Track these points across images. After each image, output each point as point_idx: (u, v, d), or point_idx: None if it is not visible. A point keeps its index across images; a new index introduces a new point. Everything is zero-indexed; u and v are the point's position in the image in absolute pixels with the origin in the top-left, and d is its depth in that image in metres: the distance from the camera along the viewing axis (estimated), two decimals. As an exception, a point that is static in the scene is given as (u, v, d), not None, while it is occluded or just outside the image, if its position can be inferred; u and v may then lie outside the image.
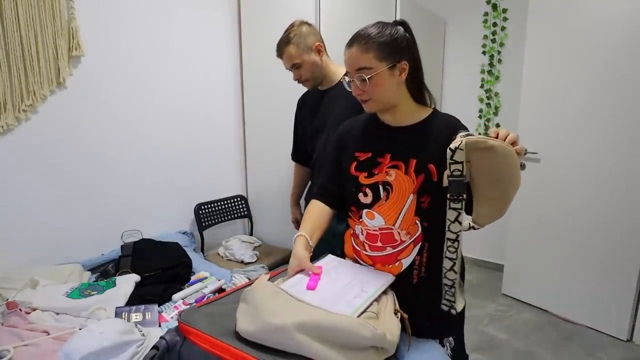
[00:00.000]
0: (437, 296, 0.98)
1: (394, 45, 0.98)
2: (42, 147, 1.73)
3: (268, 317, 0.76)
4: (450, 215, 0.88)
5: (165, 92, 2.15)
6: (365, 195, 1.03)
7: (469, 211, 0.90)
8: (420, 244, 0.99)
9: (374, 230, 1.03)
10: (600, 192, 2.21)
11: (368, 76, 0.96)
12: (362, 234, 1.06)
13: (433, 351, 0.96)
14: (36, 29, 1.64)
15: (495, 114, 3.01)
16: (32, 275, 1.48)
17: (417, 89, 1.04)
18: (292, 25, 1.58)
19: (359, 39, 0.98)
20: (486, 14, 2.94)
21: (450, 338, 1.08)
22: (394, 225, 1.00)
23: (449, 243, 0.91)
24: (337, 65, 1.62)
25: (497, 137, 0.84)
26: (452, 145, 0.84)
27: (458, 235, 0.89)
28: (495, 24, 2.91)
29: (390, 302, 0.91)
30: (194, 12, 2.22)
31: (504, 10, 2.85)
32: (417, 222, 0.98)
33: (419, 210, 0.97)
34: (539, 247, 2.48)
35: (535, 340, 2.22)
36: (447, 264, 0.93)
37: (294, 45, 1.56)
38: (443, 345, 1.05)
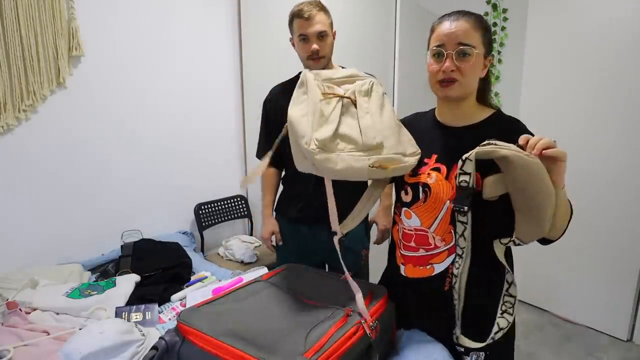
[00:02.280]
0: (478, 325, 0.92)
1: (490, 37, 0.95)
2: (42, 147, 1.74)
3: None
4: (458, 228, 0.84)
5: (165, 92, 2.15)
6: (407, 193, 1.00)
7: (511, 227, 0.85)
8: (455, 254, 0.93)
9: (409, 230, 1.00)
10: (600, 192, 2.21)
11: (476, 53, 0.89)
12: (400, 232, 1.03)
13: (439, 353, 0.95)
14: (36, 29, 1.64)
15: (496, 114, 3.01)
16: (32, 275, 1.48)
17: (484, 89, 1.00)
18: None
19: (469, 14, 0.92)
20: (486, 14, 2.94)
21: (482, 353, 0.96)
22: (429, 228, 0.96)
23: (456, 258, 0.87)
24: None
25: (526, 144, 0.78)
26: (465, 155, 0.80)
27: (464, 252, 0.85)
28: (495, 24, 2.91)
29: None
30: (194, 12, 2.22)
31: (504, 10, 2.85)
32: (452, 231, 0.93)
33: (455, 220, 0.91)
34: (539, 247, 2.47)
35: (535, 340, 2.22)
36: (453, 279, 0.88)
37: (326, 14, 1.41)
38: (467, 356, 0.96)
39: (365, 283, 1.01)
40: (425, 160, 0.98)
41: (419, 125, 1.07)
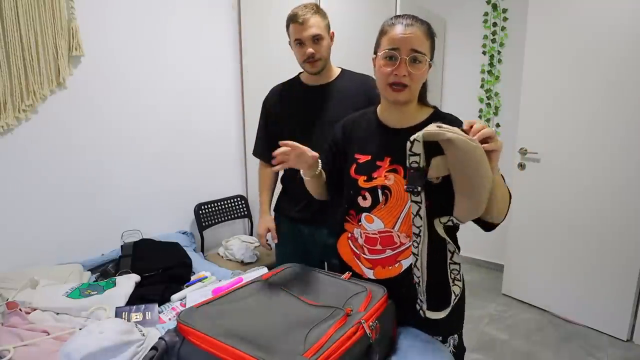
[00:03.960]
0: (438, 298, 0.97)
1: (434, 46, 1.00)
2: (42, 147, 1.73)
3: None
4: (413, 208, 0.88)
5: (166, 92, 2.15)
6: (365, 199, 1.02)
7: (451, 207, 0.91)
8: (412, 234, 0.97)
9: (372, 234, 1.02)
10: (600, 192, 2.21)
11: (426, 61, 0.95)
12: (362, 238, 1.05)
13: (439, 352, 0.95)
14: (36, 29, 1.64)
15: (495, 114, 3.01)
16: (32, 275, 1.48)
17: (424, 90, 1.04)
18: (310, 3, 1.47)
19: (420, 22, 0.96)
20: (486, 14, 2.94)
21: (455, 335, 1.07)
22: (393, 228, 0.99)
23: (413, 237, 0.90)
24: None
25: (470, 129, 0.82)
26: (412, 137, 0.83)
27: (421, 230, 0.89)
28: (495, 24, 2.91)
29: None
30: (194, 12, 2.22)
31: (504, 10, 2.85)
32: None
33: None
34: (539, 247, 2.48)
35: (535, 340, 2.22)
36: (412, 259, 0.93)
37: (321, 16, 1.42)
38: (446, 342, 1.05)
39: (364, 282, 1.01)
40: (378, 163, 1.01)
41: (362, 126, 1.10)
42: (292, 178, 1.60)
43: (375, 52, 1.01)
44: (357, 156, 1.06)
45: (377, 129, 1.07)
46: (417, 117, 1.02)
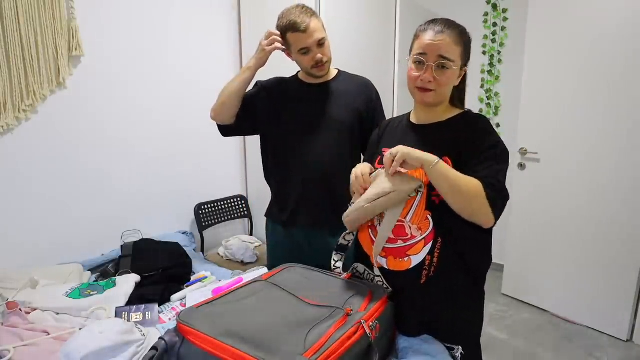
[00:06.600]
0: (444, 302, 0.97)
1: (469, 50, 1.02)
2: (42, 147, 1.74)
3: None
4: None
5: (166, 92, 2.15)
6: None
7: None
8: (431, 242, 0.97)
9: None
10: (600, 192, 2.21)
11: (454, 67, 0.97)
12: (380, 226, 1.05)
13: (435, 351, 0.95)
14: (36, 29, 1.64)
15: (496, 114, 3.01)
16: (32, 275, 1.48)
17: (460, 94, 1.08)
18: (299, 5, 1.39)
19: (452, 28, 0.98)
20: (486, 14, 2.94)
21: (460, 347, 1.02)
22: (405, 218, 1.00)
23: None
24: None
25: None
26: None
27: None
28: (495, 24, 2.91)
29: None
30: (194, 12, 2.22)
31: (504, 10, 2.85)
32: (429, 216, 0.97)
33: (430, 204, 0.97)
34: (539, 247, 2.48)
35: (535, 340, 2.23)
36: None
37: (317, 18, 1.36)
38: (452, 350, 1.01)
39: (364, 283, 1.01)
40: None
41: (394, 125, 1.16)
42: (282, 180, 1.53)
43: (410, 54, 1.04)
44: (383, 150, 1.08)
45: (405, 126, 1.11)
46: (444, 116, 1.05)
